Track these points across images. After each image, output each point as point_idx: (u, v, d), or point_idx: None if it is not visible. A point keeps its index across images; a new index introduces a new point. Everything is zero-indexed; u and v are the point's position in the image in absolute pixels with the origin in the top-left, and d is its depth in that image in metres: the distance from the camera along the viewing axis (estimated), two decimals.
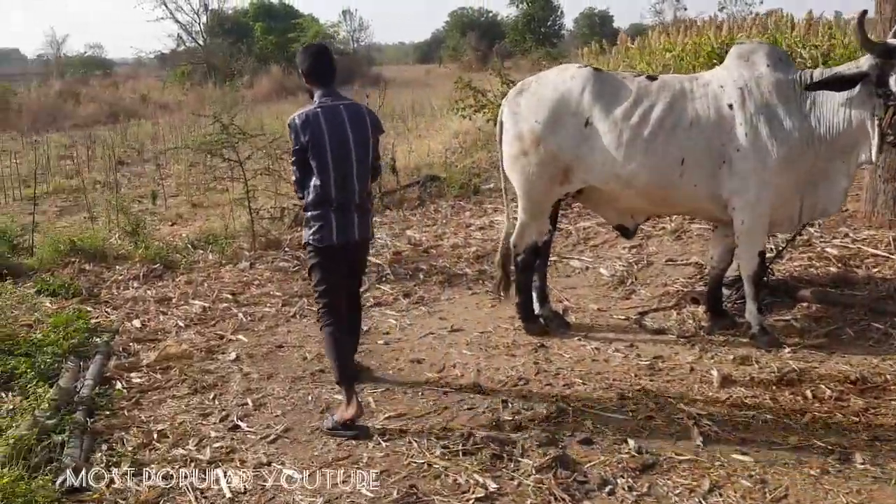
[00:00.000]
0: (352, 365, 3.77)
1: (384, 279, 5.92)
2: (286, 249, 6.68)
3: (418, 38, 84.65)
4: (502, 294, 4.83)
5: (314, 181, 3.60)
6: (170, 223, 8.84)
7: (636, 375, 4.05)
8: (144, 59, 40.27)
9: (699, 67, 11.56)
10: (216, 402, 3.94)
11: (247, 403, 3.90)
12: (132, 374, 4.25)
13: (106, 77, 35.57)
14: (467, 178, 8.78)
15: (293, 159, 3.70)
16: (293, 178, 3.80)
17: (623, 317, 4.95)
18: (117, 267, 6.36)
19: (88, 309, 5.41)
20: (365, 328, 4.87)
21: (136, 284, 5.95)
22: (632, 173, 4.25)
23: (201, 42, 36.38)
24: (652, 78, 4.39)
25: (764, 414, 3.55)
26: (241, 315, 5.24)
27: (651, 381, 3.98)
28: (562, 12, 50.08)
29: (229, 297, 5.62)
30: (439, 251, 6.62)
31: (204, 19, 37.00)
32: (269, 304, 5.45)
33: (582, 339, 4.59)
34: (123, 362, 4.41)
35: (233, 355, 4.55)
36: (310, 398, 3.95)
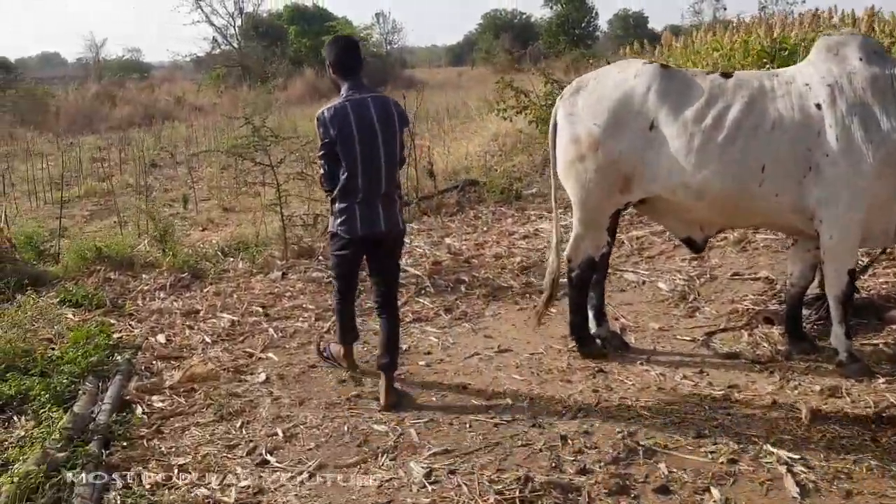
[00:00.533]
0: (354, 328, 4.12)
1: (423, 292, 5.53)
2: (320, 258, 6.33)
3: (450, 40, 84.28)
4: (539, 319, 4.41)
5: (342, 173, 3.66)
6: (200, 228, 8.58)
7: (710, 408, 3.60)
8: (181, 62, 40.54)
9: (748, 67, 11.01)
10: (243, 432, 3.58)
11: (276, 434, 3.53)
12: (154, 398, 3.92)
13: (143, 80, 35.79)
14: (508, 183, 8.36)
15: (321, 153, 3.72)
16: (321, 171, 3.82)
17: (688, 338, 4.50)
18: (144, 276, 6.06)
19: (112, 321, 5.11)
20: (405, 346, 4.51)
21: (162, 295, 5.64)
22: (704, 182, 3.79)
23: (236, 45, 36.46)
24: (726, 75, 3.94)
25: (867, 459, 3.07)
26: (271, 330, 4.89)
27: (728, 415, 3.52)
28: (596, 13, 49.38)
29: (259, 310, 5.27)
30: (481, 261, 6.22)
31: (239, 22, 37.10)
32: (301, 319, 5.10)
33: (644, 364, 4.15)
34: (145, 383, 4.07)
35: (262, 376, 4.20)
36: (345, 428, 3.57)
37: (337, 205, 3.73)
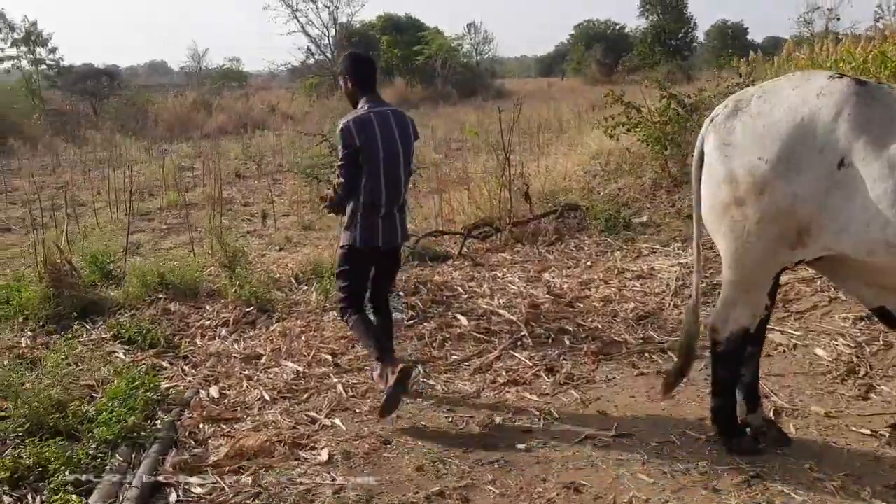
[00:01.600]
0: (386, 342, 3.85)
1: (520, 344, 4.67)
2: (400, 294, 5.57)
3: (540, 51, 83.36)
4: (668, 389, 3.46)
5: (364, 185, 3.68)
6: (277, 248, 8.01)
7: None
8: (276, 72, 41.24)
9: (887, 81, 9.67)
10: None
11: None
12: (192, 479, 3.21)
13: (240, 88, 36.46)
14: (614, 209, 7.39)
15: (343, 162, 3.72)
16: (339, 180, 3.77)
17: (867, 430, 3.46)
18: (207, 307, 5.46)
19: (164, 364, 4.50)
20: (499, 420, 3.69)
21: (223, 333, 5.00)
22: None
23: (329, 55, 36.72)
24: None
25: None
26: (340, 387, 4.14)
27: None
28: (694, 24, 47.53)
29: (328, 358, 4.55)
30: (587, 305, 5.31)
31: (333, 32, 37.37)
32: None
33: (814, 468, 3.16)
34: (185, 457, 3.38)
35: (324, 454, 3.43)
36: None
37: (359, 218, 3.72)
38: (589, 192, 8.10)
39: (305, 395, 4.08)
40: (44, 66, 25.64)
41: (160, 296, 5.56)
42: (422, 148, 16.10)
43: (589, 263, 6.34)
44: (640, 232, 6.98)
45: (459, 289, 5.79)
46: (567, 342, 4.68)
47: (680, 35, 46.61)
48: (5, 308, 5.37)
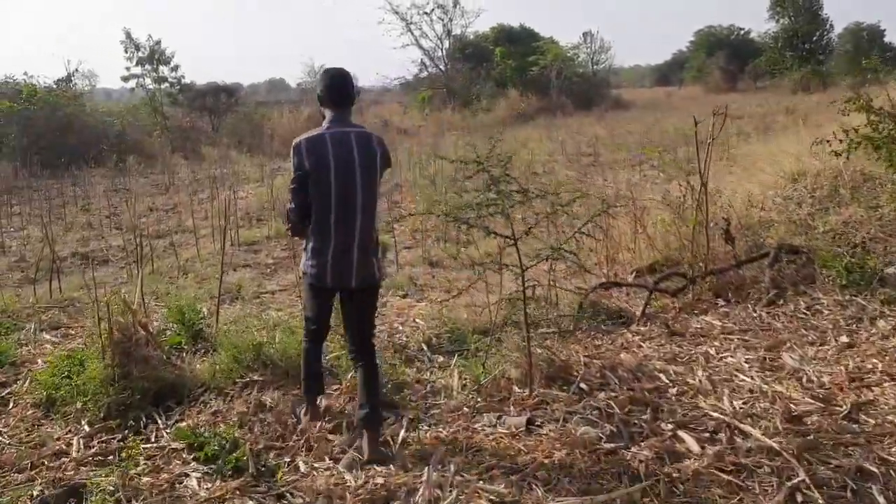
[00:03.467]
0: (321, 378, 3.76)
1: (801, 499, 2.88)
2: (582, 388, 3.90)
3: (654, 60, 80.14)
4: None
5: (314, 212, 3.30)
6: (400, 294, 6.55)
7: None
8: (389, 86, 40.71)
9: None
10: None
11: None
12: None
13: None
14: (854, 253, 5.42)
15: (293, 186, 3.35)
16: (290, 205, 3.38)
17: None
18: None
19: None
20: None
21: (335, 447, 3.49)
22: None
23: (442, 67, 35.76)
24: None
25: None
26: None
27: None
28: (831, 25, 43.66)
29: None
30: (880, 421, 3.45)
31: (447, 45, 36.40)
32: None
33: None
34: None
35: None
36: None
37: (310, 245, 3.37)
38: (803, 228, 6.13)
39: None
40: (166, 84, 25.78)
41: (255, 377, 4.16)
42: (553, 163, 14.50)
43: (844, 338, 4.43)
44: None
45: (662, 376, 4.07)
46: (880, 499, 2.86)
47: (814, 38, 43.11)
48: (65, 386, 4.11)
